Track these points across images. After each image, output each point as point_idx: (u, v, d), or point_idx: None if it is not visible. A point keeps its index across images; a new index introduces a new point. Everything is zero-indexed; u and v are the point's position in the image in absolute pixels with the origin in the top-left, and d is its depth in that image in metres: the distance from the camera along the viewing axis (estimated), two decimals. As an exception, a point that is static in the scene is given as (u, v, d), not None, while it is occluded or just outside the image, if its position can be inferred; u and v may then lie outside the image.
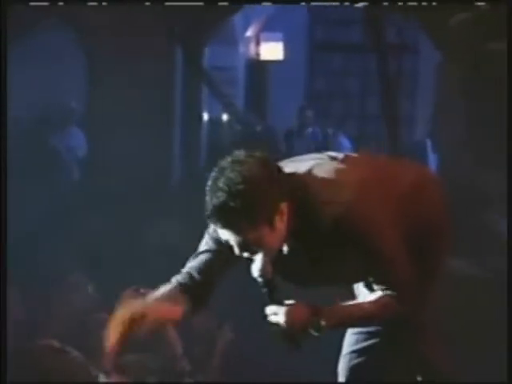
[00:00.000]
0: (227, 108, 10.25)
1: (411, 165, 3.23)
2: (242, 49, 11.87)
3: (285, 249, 2.89)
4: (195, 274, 2.99)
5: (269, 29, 11.89)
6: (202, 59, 9.20)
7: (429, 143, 9.13)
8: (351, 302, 3.00)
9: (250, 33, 11.86)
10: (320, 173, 2.85)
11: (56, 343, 4.21)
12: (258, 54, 12.04)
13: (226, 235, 2.77)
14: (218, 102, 10.02)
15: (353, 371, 3.27)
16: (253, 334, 4.94)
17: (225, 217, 2.71)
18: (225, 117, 10.60)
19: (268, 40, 11.98)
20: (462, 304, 4.92)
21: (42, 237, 6.31)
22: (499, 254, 5.19)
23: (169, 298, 2.98)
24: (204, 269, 2.99)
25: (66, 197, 7.88)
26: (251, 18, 11.33)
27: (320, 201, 2.78)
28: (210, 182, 2.72)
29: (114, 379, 4.24)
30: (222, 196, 2.68)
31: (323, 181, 2.82)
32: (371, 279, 2.91)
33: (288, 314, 2.84)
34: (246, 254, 2.82)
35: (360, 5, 9.26)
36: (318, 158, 2.95)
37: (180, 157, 9.25)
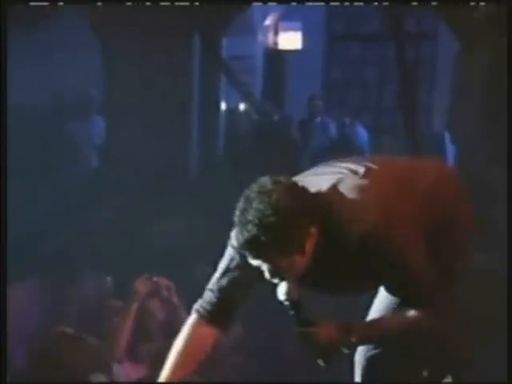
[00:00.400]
0: (245, 97, 10.26)
1: (429, 163, 3.21)
2: (260, 38, 11.86)
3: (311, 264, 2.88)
4: (222, 299, 2.99)
5: (287, 18, 11.83)
6: (221, 48, 9.21)
7: (447, 134, 9.09)
8: (380, 318, 3.03)
9: (268, 22, 11.84)
10: (344, 190, 2.83)
11: (70, 330, 4.24)
12: (276, 44, 12.00)
13: (257, 263, 2.77)
14: (236, 91, 10.03)
15: (369, 362, 3.27)
16: (262, 329, 4.94)
17: (256, 249, 2.70)
18: (242, 106, 10.61)
19: (286, 29, 11.92)
20: (469, 300, 4.92)
21: (57, 225, 6.34)
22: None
23: (193, 342, 3.00)
24: (232, 290, 2.98)
25: (82, 185, 7.92)
26: (270, 8, 11.30)
27: (347, 219, 2.77)
28: (237, 213, 2.71)
29: (127, 368, 4.27)
30: (252, 229, 2.66)
31: (348, 199, 2.81)
32: (400, 294, 2.91)
33: (318, 335, 2.86)
34: (276, 280, 2.81)
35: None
36: (339, 173, 2.93)
37: (198, 145, 9.27)
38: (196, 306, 3.04)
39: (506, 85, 6.20)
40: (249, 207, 2.68)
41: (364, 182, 2.88)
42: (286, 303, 2.85)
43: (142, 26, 8.28)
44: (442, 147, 8.88)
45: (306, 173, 3.01)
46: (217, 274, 2.99)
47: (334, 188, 2.84)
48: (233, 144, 9.52)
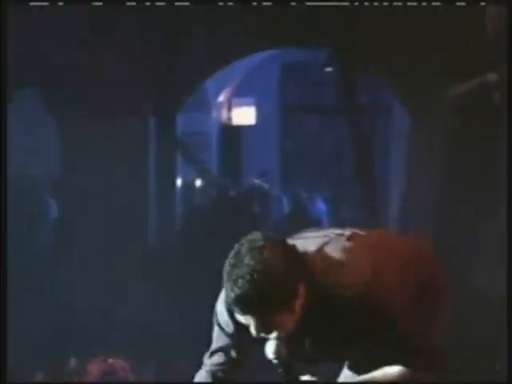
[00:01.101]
0: (201, 173, 10.40)
1: (405, 235, 3.32)
2: (214, 114, 12.14)
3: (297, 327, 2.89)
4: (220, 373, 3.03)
5: (240, 93, 12.17)
6: (176, 125, 9.31)
7: (401, 204, 9.24)
8: (369, 378, 3.01)
9: (222, 98, 12.14)
10: (330, 251, 2.89)
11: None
12: (230, 119, 12.31)
13: (246, 320, 2.78)
14: (192, 168, 10.15)
15: None
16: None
17: (248, 305, 2.72)
18: (199, 182, 10.74)
19: (240, 105, 12.29)
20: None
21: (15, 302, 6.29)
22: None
23: None
24: (228, 365, 3.02)
25: (38, 263, 7.89)
26: (223, 83, 11.54)
27: (333, 281, 2.81)
28: (227, 268, 2.73)
29: None
30: (243, 285, 2.69)
31: (334, 260, 2.86)
32: (389, 353, 2.90)
33: None
34: (262, 335, 2.81)
35: (330, 69, 9.54)
36: (325, 236, 2.99)
37: (155, 222, 9.30)
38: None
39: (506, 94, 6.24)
40: (239, 263, 2.71)
41: (349, 244, 2.95)
42: (275, 361, 2.86)
43: (99, 103, 8.36)
44: (398, 217, 9.02)
45: (294, 236, 3.05)
46: (207, 357, 3.02)
47: (320, 249, 2.89)
48: (191, 220, 9.60)
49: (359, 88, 9.28)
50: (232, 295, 2.71)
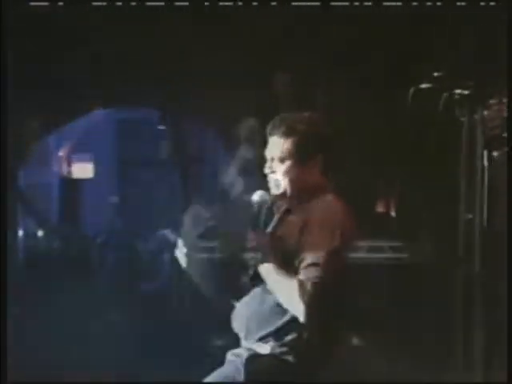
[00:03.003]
0: (41, 223, 10.77)
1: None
2: (55, 168, 12.47)
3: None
4: None
5: (79, 149, 12.54)
6: (18, 178, 9.49)
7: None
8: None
9: (61, 153, 12.48)
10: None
11: None
12: (70, 173, 12.62)
13: (272, 142, 3.31)
14: (33, 218, 10.52)
15: None
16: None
17: (283, 125, 3.31)
18: (40, 232, 11.06)
19: (79, 160, 12.63)
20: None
21: None
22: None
23: None
24: None
25: None
26: (63, 139, 11.99)
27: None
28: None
29: None
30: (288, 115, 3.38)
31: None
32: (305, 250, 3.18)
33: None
34: (268, 171, 3.34)
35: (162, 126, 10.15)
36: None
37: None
38: None
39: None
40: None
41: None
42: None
43: None
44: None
45: None
46: None
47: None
48: (35, 269, 9.74)
49: (187, 142, 9.96)
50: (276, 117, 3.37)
